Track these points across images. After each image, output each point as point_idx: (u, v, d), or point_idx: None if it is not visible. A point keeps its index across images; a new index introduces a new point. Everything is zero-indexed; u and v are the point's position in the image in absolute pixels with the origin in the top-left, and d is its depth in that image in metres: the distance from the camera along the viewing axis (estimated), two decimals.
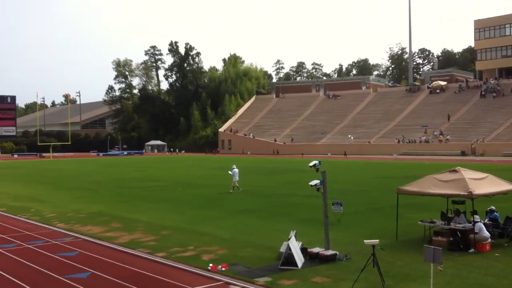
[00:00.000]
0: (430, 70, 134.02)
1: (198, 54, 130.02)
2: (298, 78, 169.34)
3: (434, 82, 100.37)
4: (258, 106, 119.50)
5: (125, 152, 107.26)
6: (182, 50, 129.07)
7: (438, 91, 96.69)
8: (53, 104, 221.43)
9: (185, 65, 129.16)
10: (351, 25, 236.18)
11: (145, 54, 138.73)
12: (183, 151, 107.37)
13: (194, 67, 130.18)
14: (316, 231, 17.27)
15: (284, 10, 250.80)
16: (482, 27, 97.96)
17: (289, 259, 13.35)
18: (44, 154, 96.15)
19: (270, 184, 35.73)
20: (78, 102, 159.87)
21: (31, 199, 29.67)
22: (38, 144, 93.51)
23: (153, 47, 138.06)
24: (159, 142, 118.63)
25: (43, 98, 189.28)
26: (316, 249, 14.27)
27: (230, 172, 31.38)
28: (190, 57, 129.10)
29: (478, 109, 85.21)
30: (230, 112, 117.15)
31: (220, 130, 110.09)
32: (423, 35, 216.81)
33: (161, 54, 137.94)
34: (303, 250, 14.10)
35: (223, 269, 13.23)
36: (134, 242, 16.91)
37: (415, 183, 16.06)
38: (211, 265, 13.48)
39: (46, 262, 14.50)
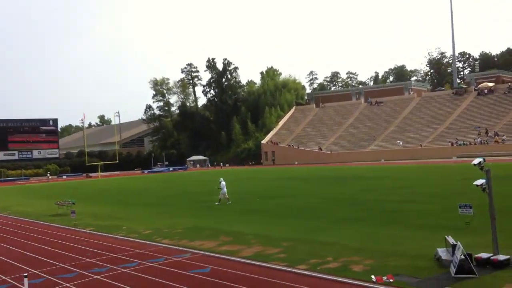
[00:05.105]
0: (473, 72, 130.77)
1: (236, 68, 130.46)
2: (333, 88, 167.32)
3: (482, 84, 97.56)
4: (298, 116, 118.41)
5: (171, 168, 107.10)
6: (219, 66, 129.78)
7: (486, 92, 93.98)
8: (90, 125, 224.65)
9: (223, 80, 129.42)
10: (385, 33, 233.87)
11: (182, 72, 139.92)
12: (227, 165, 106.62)
13: (232, 81, 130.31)
14: (441, 236, 15.64)
15: (317, 21, 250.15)
16: None
17: (461, 266, 12.05)
18: (91, 174, 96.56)
19: (349, 192, 34.28)
20: (113, 122, 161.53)
21: (111, 217, 28.85)
22: (87, 164, 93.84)
23: (190, 65, 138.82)
24: (200, 157, 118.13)
25: (82, 120, 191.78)
26: (482, 254, 12.91)
27: (216, 187, 32.48)
28: (228, 72, 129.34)
29: None
30: (271, 124, 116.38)
31: (262, 142, 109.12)
32: (461, 38, 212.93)
33: (197, 71, 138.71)
34: (468, 256, 12.75)
35: (391, 280, 12.00)
36: (261, 255, 15.81)
37: None
38: (373, 276, 12.26)
39: (188, 281, 13.37)
